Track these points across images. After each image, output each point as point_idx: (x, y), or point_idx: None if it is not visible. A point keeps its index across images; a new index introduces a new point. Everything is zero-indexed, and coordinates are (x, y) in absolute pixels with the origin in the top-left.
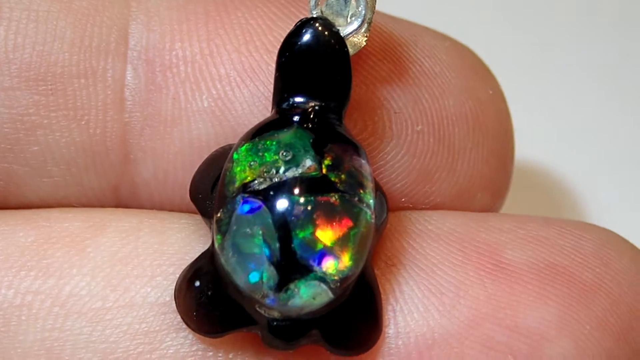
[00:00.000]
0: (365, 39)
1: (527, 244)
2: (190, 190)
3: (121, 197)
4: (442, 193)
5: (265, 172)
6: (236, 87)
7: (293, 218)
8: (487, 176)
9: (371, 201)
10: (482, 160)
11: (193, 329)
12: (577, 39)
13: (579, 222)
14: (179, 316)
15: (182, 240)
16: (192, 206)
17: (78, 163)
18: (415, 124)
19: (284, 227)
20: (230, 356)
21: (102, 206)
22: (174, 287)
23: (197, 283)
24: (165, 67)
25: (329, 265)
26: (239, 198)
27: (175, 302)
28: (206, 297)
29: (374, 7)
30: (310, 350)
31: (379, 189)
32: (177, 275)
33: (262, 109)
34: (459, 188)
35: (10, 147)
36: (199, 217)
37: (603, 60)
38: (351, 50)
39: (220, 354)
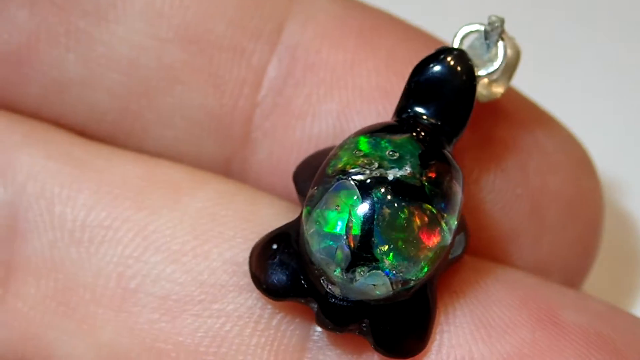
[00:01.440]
0: (501, 91)
1: (585, 312)
2: (294, 173)
3: (231, 170)
4: (522, 260)
5: (369, 164)
6: (364, 101)
7: (381, 213)
8: (568, 260)
9: (453, 225)
10: (568, 243)
11: (256, 285)
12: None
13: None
14: (246, 278)
15: (272, 216)
16: (293, 196)
17: (202, 126)
18: (517, 187)
19: (370, 218)
20: (282, 328)
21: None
22: (250, 250)
23: (275, 245)
24: (307, 67)
25: (396, 262)
26: (337, 179)
27: (250, 257)
28: (279, 259)
29: (513, 68)
30: (357, 340)
31: (463, 224)
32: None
33: None
34: (538, 260)
35: (147, 92)
36: (293, 204)
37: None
38: (485, 93)
39: (272, 324)
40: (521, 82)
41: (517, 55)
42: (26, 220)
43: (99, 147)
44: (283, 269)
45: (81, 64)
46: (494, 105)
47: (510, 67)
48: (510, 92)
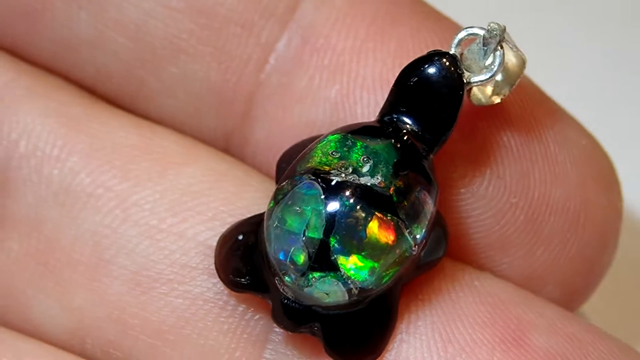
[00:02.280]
0: (498, 100)
1: (557, 336)
2: (278, 160)
3: (231, 146)
4: (513, 270)
5: (341, 167)
6: (366, 91)
7: (344, 220)
8: (566, 275)
9: (418, 236)
10: (567, 258)
11: (219, 275)
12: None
13: (620, 342)
14: None
15: (256, 200)
16: None
17: (204, 98)
18: (513, 196)
19: (331, 224)
20: (247, 317)
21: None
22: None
23: (241, 237)
24: (314, 49)
25: (353, 270)
26: (306, 177)
27: (216, 244)
28: (242, 251)
29: (515, 78)
30: (314, 341)
31: (443, 229)
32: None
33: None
34: (531, 272)
35: (152, 59)
36: None
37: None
38: (481, 99)
39: (238, 311)
40: None
41: (521, 65)
42: (15, 178)
43: (100, 109)
44: (244, 261)
45: (92, 25)
46: (502, 106)
47: (512, 76)
48: (532, 91)
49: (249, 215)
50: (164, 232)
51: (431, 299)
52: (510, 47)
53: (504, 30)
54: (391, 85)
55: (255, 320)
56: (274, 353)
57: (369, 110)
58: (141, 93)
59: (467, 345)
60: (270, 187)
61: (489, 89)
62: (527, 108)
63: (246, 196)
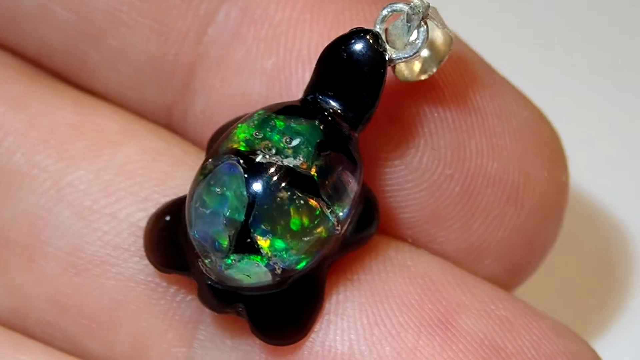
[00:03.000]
0: (424, 77)
1: (488, 319)
2: (211, 137)
3: (173, 121)
4: (450, 243)
5: (264, 148)
6: (301, 65)
7: (265, 201)
8: (506, 249)
9: (341, 214)
10: (505, 231)
11: (147, 256)
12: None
13: (558, 323)
14: None
15: (189, 179)
16: None
17: (144, 72)
18: (447, 167)
19: (252, 205)
20: (178, 299)
21: (156, 122)
22: None
23: (168, 218)
24: (252, 21)
25: (274, 251)
26: (227, 157)
27: (146, 225)
28: (168, 233)
29: (442, 55)
30: (243, 322)
31: (373, 205)
32: None
33: None
34: (468, 246)
35: (93, 33)
36: None
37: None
38: (406, 75)
39: (169, 293)
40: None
41: (448, 43)
42: None
43: (42, 86)
44: (170, 242)
45: None
46: (440, 78)
47: (439, 54)
48: (474, 64)
49: (180, 195)
50: (98, 213)
51: (360, 278)
52: (436, 25)
53: (427, 7)
54: None
55: (187, 302)
56: (206, 334)
57: (304, 83)
58: (84, 67)
59: (394, 328)
60: None
61: (416, 66)
62: (464, 81)
63: (179, 175)
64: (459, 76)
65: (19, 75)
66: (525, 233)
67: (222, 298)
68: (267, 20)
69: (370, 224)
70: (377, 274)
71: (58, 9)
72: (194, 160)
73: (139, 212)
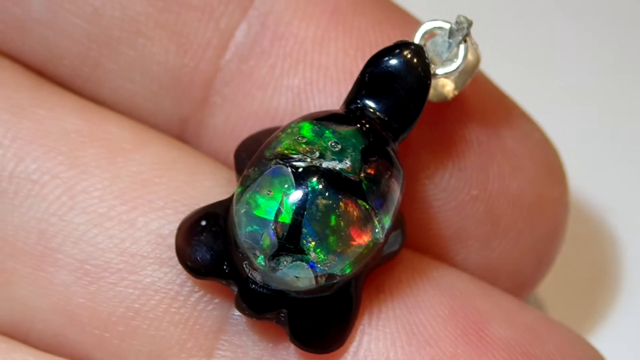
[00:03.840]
0: (451, 95)
1: (516, 327)
2: (236, 149)
3: (186, 132)
4: (469, 261)
5: (309, 152)
6: (329, 81)
7: (313, 204)
8: (517, 268)
9: (387, 225)
10: (521, 251)
11: (180, 261)
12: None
13: (571, 331)
14: (169, 251)
15: (208, 189)
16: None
17: (161, 83)
18: (473, 188)
19: (301, 207)
20: (199, 308)
21: (166, 133)
22: (178, 223)
23: (204, 222)
24: (275, 37)
25: (321, 255)
26: (274, 162)
27: (177, 230)
28: (205, 236)
29: (471, 73)
30: (275, 329)
31: (401, 221)
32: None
33: None
34: (486, 264)
35: (108, 42)
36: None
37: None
38: (434, 93)
39: (190, 302)
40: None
41: (476, 62)
42: None
43: (47, 93)
44: (208, 247)
45: (45, 5)
46: (463, 101)
47: (467, 72)
48: (489, 88)
49: (205, 204)
50: (114, 220)
51: (392, 291)
52: (471, 43)
53: (471, 23)
54: (354, 75)
55: (208, 311)
56: (227, 344)
57: (332, 101)
58: (95, 75)
59: (431, 338)
60: (224, 175)
61: (449, 84)
62: (485, 104)
63: (198, 185)
64: (479, 99)
65: (22, 82)
66: (536, 252)
67: (264, 302)
68: (291, 37)
69: (400, 238)
70: (407, 286)
71: (71, 17)
72: (210, 169)
73: (157, 220)
